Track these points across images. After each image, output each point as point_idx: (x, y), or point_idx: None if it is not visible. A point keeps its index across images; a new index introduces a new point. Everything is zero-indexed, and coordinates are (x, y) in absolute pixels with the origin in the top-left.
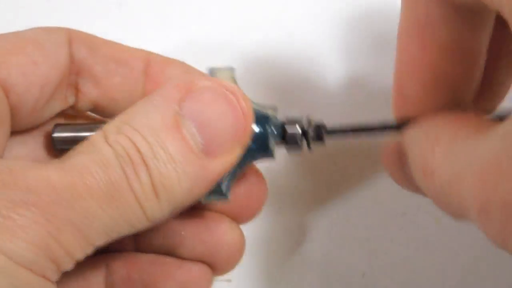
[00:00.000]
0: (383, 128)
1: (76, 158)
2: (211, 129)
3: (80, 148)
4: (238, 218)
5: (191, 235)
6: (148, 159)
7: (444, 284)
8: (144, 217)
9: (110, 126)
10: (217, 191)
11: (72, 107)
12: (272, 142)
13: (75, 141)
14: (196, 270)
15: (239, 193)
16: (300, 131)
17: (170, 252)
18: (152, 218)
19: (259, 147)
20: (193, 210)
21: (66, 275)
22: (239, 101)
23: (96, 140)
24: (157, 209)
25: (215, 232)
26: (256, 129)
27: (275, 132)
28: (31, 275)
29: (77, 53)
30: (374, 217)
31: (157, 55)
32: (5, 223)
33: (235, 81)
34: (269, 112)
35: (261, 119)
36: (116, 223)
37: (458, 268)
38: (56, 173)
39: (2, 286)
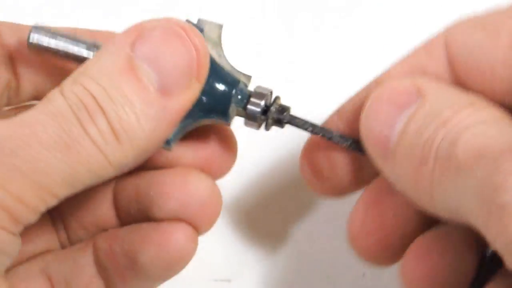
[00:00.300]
0: (341, 141)
1: (28, 112)
2: (165, 68)
3: (36, 104)
4: (207, 173)
5: (160, 193)
6: (104, 103)
7: None
8: (107, 163)
9: (68, 79)
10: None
11: (16, 95)
12: (232, 107)
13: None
14: (174, 230)
15: (207, 149)
16: (261, 108)
17: (147, 218)
18: (116, 164)
19: (218, 107)
20: (158, 168)
21: (56, 261)
22: (190, 36)
23: (52, 94)
24: (120, 154)
25: (184, 185)
26: (220, 87)
27: (239, 98)
28: None
29: (7, 41)
30: None
31: (85, 29)
32: None
33: (220, 37)
34: (241, 79)
35: (230, 82)
36: (77, 171)
37: None
38: (4, 125)
39: None
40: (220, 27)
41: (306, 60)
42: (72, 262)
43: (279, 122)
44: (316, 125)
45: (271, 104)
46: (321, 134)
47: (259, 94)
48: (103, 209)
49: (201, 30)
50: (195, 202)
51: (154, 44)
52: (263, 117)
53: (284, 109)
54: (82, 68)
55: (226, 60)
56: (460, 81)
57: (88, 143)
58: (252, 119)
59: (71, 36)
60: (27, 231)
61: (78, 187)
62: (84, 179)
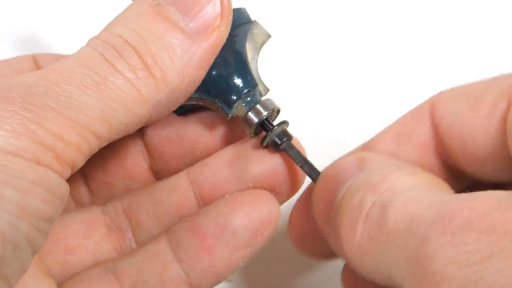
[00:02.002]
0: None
1: (51, 65)
2: (191, 9)
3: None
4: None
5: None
6: (133, 41)
7: None
8: (140, 97)
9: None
10: None
11: None
12: (239, 103)
13: None
14: (260, 195)
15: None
16: (260, 118)
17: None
18: (150, 99)
19: (227, 95)
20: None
21: (123, 258)
22: None
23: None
24: (153, 89)
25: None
26: (238, 80)
27: (248, 100)
28: (21, 161)
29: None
30: None
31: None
32: None
33: (262, 45)
34: (260, 86)
35: (249, 81)
36: (111, 107)
37: None
38: (30, 75)
39: None
40: (268, 36)
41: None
42: (144, 253)
43: (275, 145)
44: (307, 162)
45: (276, 126)
46: (308, 173)
47: (265, 106)
48: (134, 163)
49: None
50: (278, 170)
51: None
52: (259, 128)
53: (285, 136)
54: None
55: (256, 66)
56: (444, 148)
57: (118, 79)
58: (248, 125)
59: None
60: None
61: (115, 124)
62: (119, 116)
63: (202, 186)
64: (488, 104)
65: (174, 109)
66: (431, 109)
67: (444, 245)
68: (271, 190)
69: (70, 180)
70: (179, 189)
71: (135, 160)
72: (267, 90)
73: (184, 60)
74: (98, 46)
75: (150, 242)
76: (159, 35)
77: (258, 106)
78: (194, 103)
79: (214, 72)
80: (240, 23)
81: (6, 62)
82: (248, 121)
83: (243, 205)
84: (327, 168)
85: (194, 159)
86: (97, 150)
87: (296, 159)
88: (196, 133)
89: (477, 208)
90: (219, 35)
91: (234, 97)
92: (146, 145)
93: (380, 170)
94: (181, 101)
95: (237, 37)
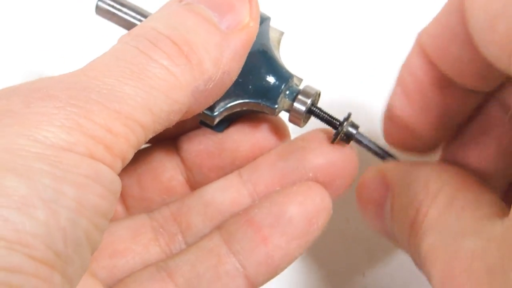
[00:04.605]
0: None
1: (91, 62)
2: (221, 6)
3: None
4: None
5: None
6: (167, 31)
7: None
8: (179, 83)
9: None
10: (211, 107)
11: None
12: (281, 97)
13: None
14: (313, 187)
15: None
16: (307, 106)
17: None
18: (188, 84)
19: (269, 93)
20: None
21: (175, 256)
22: None
23: None
24: (190, 75)
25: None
26: (274, 76)
27: (288, 93)
28: (75, 156)
29: None
30: None
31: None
32: (30, 114)
33: (279, 42)
34: (295, 80)
35: (283, 74)
36: (152, 95)
37: None
38: (68, 75)
39: (48, 171)
40: (281, 33)
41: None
42: (197, 249)
43: (348, 138)
44: (380, 148)
45: (344, 120)
46: (382, 157)
47: (307, 93)
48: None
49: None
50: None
51: None
52: (307, 115)
53: (355, 126)
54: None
55: (282, 62)
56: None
57: (156, 67)
58: (297, 116)
59: (136, 7)
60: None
61: (157, 113)
62: (160, 103)
63: (257, 183)
64: None
65: (212, 102)
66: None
67: None
68: (331, 182)
69: None
70: (232, 188)
71: (172, 175)
72: (300, 80)
73: (218, 51)
74: (130, 40)
75: (202, 239)
76: (192, 27)
77: (300, 95)
78: (239, 109)
79: (250, 75)
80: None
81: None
82: (296, 111)
83: (297, 195)
84: (359, 191)
85: (234, 169)
86: (144, 142)
87: (371, 146)
88: (235, 143)
89: (456, 279)
90: (250, 31)
91: (276, 92)
92: (182, 160)
93: (410, 194)
94: (218, 93)
95: (261, 36)
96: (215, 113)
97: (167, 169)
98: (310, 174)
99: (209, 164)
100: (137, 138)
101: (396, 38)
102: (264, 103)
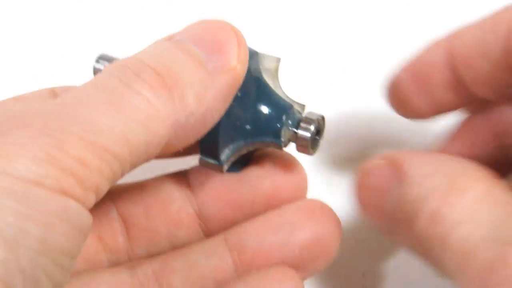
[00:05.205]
0: None
1: (71, 90)
2: (208, 45)
3: None
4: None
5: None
6: (153, 63)
7: (445, 284)
8: (158, 115)
9: None
10: (215, 156)
11: None
12: (284, 130)
13: None
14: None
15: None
16: (311, 132)
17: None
18: (168, 117)
19: (270, 128)
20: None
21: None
22: (229, 25)
23: None
24: (171, 107)
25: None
26: (273, 109)
27: (290, 123)
28: (44, 191)
29: None
30: None
31: None
32: (3, 144)
33: (277, 70)
34: (295, 106)
35: (282, 105)
36: (129, 126)
37: None
38: (46, 103)
39: (14, 208)
40: (278, 60)
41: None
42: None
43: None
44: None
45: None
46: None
47: (309, 119)
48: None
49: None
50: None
51: (194, 29)
52: (314, 141)
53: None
54: None
55: (282, 90)
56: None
57: (136, 98)
58: (304, 144)
59: None
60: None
61: (135, 144)
62: (138, 135)
63: (243, 251)
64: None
65: (194, 139)
66: (508, 30)
67: None
68: (314, 260)
69: (107, 227)
70: (216, 254)
71: (181, 206)
72: (303, 106)
73: (202, 88)
74: (114, 70)
75: None
76: (179, 62)
77: (302, 123)
78: (245, 151)
79: (248, 114)
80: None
81: (22, 99)
82: (301, 140)
83: (272, 282)
84: (360, 177)
85: (253, 209)
86: (120, 175)
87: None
88: (253, 180)
89: None
90: (236, 73)
91: (278, 125)
92: (193, 192)
93: (429, 186)
94: (200, 131)
95: (252, 72)
96: (222, 161)
97: (176, 200)
98: (296, 251)
99: (222, 200)
100: (112, 171)
101: (396, 60)
102: (268, 140)
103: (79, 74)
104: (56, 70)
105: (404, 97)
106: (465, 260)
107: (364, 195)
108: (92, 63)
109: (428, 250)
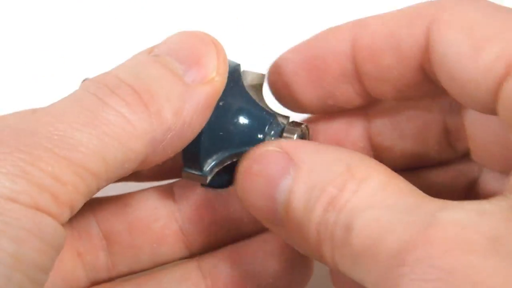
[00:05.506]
0: None
1: (47, 106)
2: (186, 58)
3: None
4: None
5: None
6: (130, 79)
7: None
8: (135, 131)
9: None
10: (198, 167)
11: None
12: (268, 139)
13: None
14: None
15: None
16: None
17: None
18: (145, 133)
19: (252, 141)
20: None
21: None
22: (209, 36)
23: None
24: (148, 123)
25: None
26: (256, 120)
27: (273, 133)
28: (18, 207)
29: None
30: None
31: None
32: None
33: (261, 85)
34: (279, 119)
35: (265, 116)
36: (106, 143)
37: None
38: (21, 119)
39: None
40: (263, 76)
41: None
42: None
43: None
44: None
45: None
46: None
47: (292, 129)
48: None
49: (238, 76)
50: None
51: (172, 42)
52: None
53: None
54: None
55: (266, 104)
56: (431, 66)
57: (112, 114)
58: None
59: None
60: None
61: (111, 161)
62: (114, 151)
63: (217, 279)
64: (490, 56)
65: (172, 154)
66: (427, 28)
67: (404, 276)
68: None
69: (87, 242)
70: (189, 280)
71: (165, 223)
72: (287, 118)
73: (180, 102)
74: (91, 86)
75: None
76: (156, 77)
77: (285, 133)
78: (229, 162)
79: (231, 125)
80: (230, 70)
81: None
82: None
83: None
84: (248, 162)
85: (239, 228)
86: (96, 190)
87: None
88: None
89: (436, 244)
90: (215, 85)
91: (260, 136)
92: (178, 207)
93: (325, 174)
94: (178, 145)
95: (233, 85)
96: (206, 172)
97: (161, 218)
98: (271, 280)
99: (207, 217)
100: (87, 187)
101: None
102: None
103: (79, 74)
104: (56, 70)
105: (290, 82)
106: (373, 243)
107: (252, 181)
108: (83, 77)
109: (326, 240)
